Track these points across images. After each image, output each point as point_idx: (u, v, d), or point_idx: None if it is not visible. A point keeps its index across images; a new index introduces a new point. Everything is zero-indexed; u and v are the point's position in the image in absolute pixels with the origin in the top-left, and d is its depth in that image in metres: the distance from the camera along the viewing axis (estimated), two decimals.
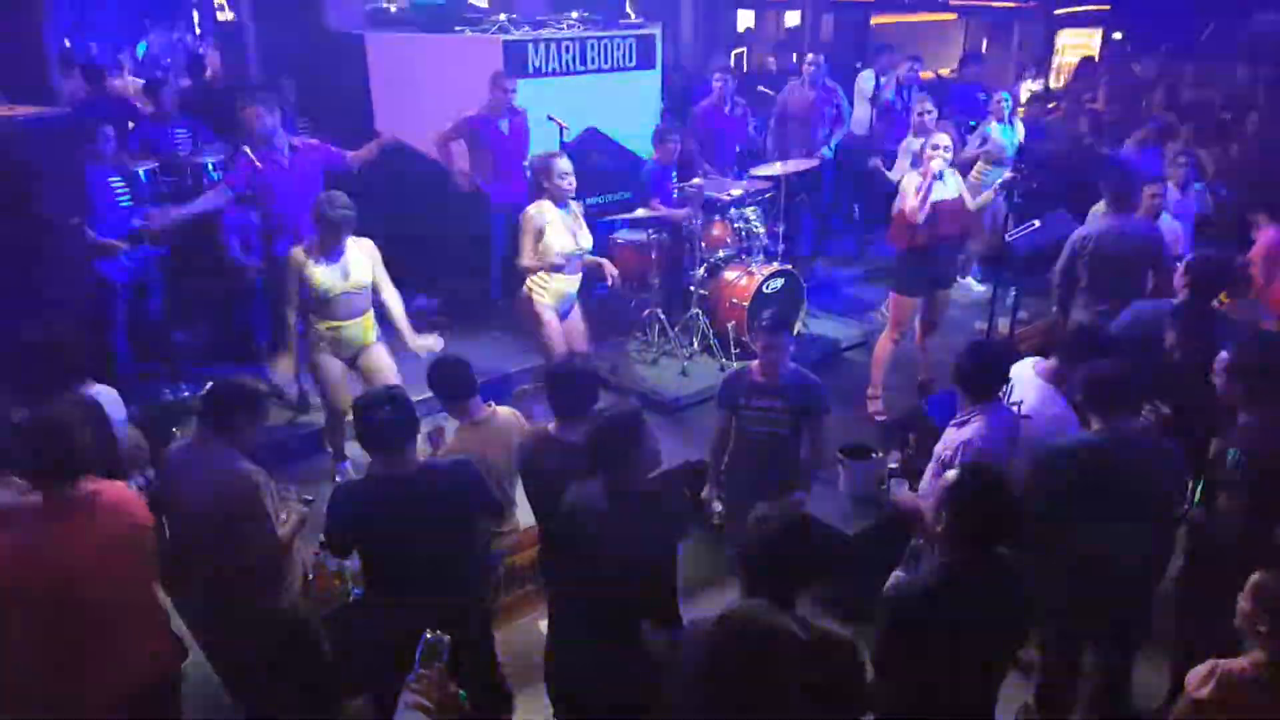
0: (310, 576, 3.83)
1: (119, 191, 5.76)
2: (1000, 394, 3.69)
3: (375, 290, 4.80)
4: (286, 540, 3.38)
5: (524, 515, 3.92)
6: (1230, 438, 3.43)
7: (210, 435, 3.29)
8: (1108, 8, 14.16)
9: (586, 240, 5.36)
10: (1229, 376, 3.48)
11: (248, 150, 5.30)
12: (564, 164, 5.20)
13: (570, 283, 5.39)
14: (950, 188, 5.55)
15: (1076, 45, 13.68)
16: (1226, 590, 2.76)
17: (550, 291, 5.30)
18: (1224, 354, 3.51)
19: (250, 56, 7.71)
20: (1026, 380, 3.89)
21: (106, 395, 3.65)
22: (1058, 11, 13.63)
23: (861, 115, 8.56)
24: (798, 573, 2.44)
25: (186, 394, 5.63)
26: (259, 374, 4.82)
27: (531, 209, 5.22)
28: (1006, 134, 7.36)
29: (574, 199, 5.32)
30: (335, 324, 4.74)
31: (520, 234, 5.25)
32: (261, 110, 5.24)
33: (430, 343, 4.86)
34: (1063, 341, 4.02)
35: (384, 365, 4.85)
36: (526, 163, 6.37)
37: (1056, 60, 13.46)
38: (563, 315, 5.42)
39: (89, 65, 8.45)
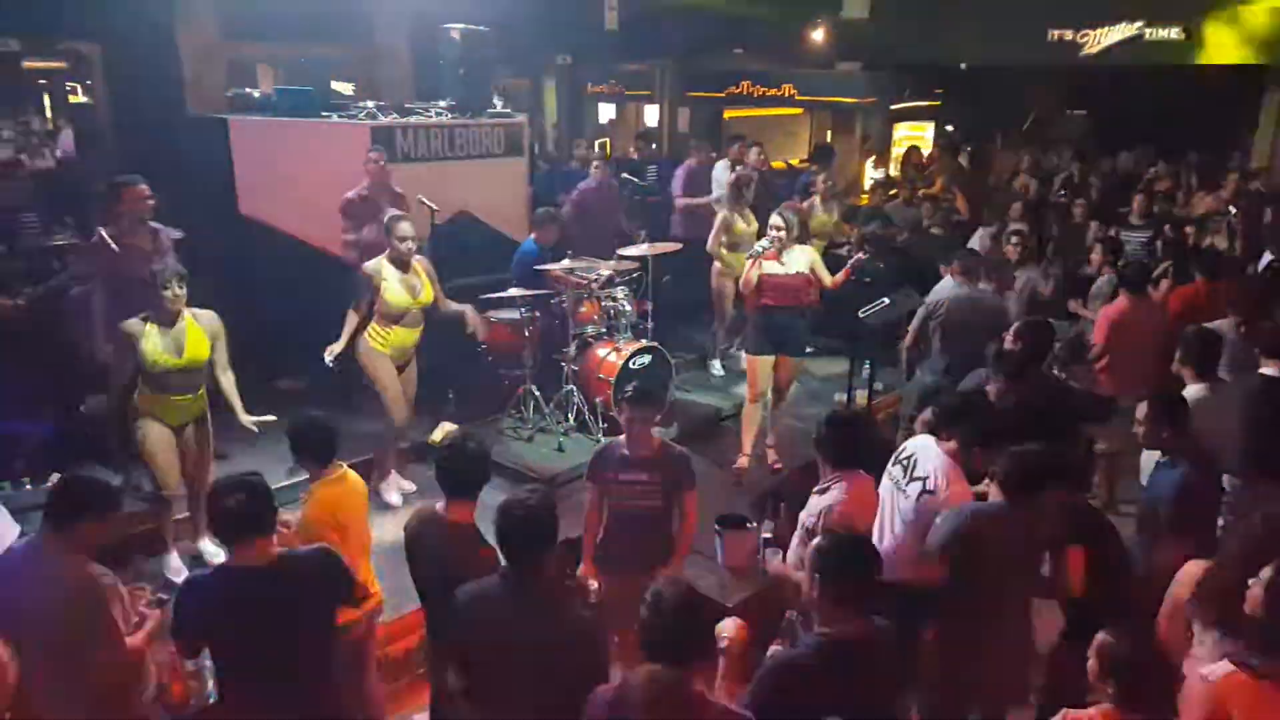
0: (165, 680, 3.61)
1: None
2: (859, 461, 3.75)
3: (212, 366, 4.71)
4: (138, 647, 3.15)
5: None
6: None
7: (51, 535, 3.02)
8: (939, 104, 15.51)
9: (427, 295, 5.57)
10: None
11: (103, 233, 5.14)
12: (405, 227, 5.43)
13: (408, 335, 5.59)
14: (790, 264, 5.76)
15: (913, 137, 14.84)
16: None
17: (389, 342, 5.53)
18: None
19: (107, 140, 7.48)
20: (933, 456, 3.86)
21: None
22: (895, 107, 14.80)
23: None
24: (695, 644, 2.50)
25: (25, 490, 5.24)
26: (114, 469, 4.57)
27: (369, 266, 5.45)
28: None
29: (418, 257, 5.58)
30: (165, 396, 4.63)
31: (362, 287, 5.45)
32: (146, 189, 5.26)
33: (262, 420, 4.77)
34: (950, 415, 3.93)
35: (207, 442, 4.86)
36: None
37: (895, 150, 14.53)
38: (400, 366, 5.64)
39: None
